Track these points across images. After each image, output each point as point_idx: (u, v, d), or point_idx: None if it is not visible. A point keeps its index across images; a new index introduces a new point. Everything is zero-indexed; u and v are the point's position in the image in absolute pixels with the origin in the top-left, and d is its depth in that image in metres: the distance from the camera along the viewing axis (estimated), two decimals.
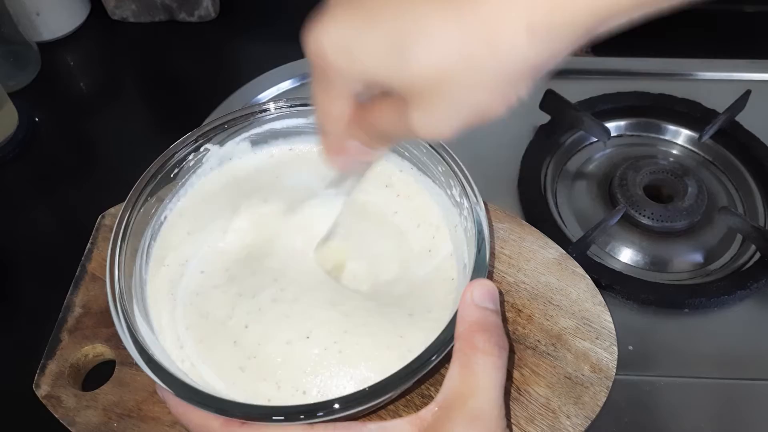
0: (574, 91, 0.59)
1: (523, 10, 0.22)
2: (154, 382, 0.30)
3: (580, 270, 0.39)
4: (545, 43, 0.22)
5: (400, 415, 0.34)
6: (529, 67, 0.23)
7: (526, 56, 0.23)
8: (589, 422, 0.34)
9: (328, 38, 0.25)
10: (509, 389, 0.35)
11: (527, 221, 0.42)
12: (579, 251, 0.48)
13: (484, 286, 0.31)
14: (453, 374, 0.29)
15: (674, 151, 0.59)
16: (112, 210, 0.44)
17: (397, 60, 0.24)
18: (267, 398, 0.32)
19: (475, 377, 0.28)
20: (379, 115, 0.28)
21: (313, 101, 0.30)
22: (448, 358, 0.30)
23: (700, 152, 0.59)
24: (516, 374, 0.36)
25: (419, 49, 0.23)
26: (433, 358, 0.30)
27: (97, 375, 0.38)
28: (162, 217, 0.39)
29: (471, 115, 0.25)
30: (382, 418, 0.34)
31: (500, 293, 0.35)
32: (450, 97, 0.24)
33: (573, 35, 0.22)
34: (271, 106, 0.41)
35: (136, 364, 0.30)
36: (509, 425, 0.33)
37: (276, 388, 0.32)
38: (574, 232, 0.53)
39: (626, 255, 0.52)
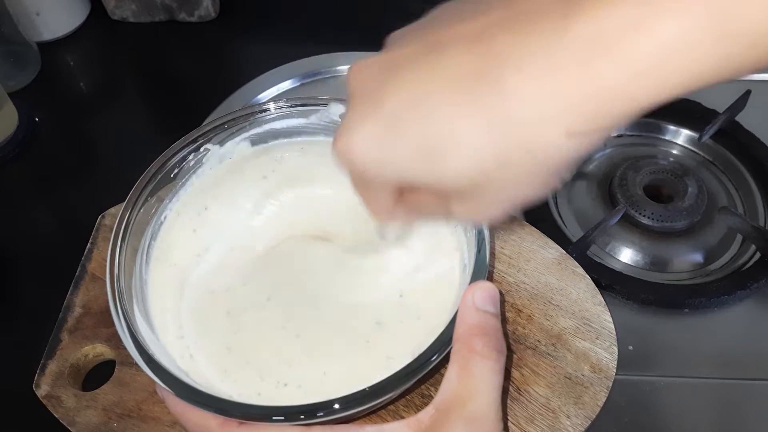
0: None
1: (561, 114, 0.21)
2: (154, 382, 0.30)
3: (580, 270, 0.39)
4: (585, 141, 0.21)
5: (401, 415, 0.34)
6: (569, 161, 0.23)
7: (566, 154, 0.22)
8: (589, 422, 0.34)
9: (356, 143, 0.25)
10: (507, 388, 0.35)
11: (527, 221, 0.42)
12: (579, 251, 0.48)
13: (486, 288, 0.31)
14: (451, 377, 0.29)
15: (674, 151, 0.59)
16: (112, 210, 0.44)
17: (430, 167, 0.23)
18: (257, 392, 0.32)
19: (473, 380, 0.28)
20: (421, 201, 0.28)
21: (358, 194, 0.29)
22: (448, 359, 0.30)
23: (700, 152, 0.59)
24: (516, 374, 0.36)
25: (451, 156, 0.23)
26: (434, 358, 0.30)
27: (97, 375, 0.38)
28: (162, 217, 0.39)
29: (512, 204, 0.25)
30: (382, 418, 0.34)
31: (501, 294, 0.35)
32: (489, 195, 0.24)
33: (614, 128, 0.21)
34: (271, 106, 0.41)
35: (136, 364, 0.30)
36: (506, 427, 0.33)
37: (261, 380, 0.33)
38: (574, 232, 0.53)
39: (626, 255, 0.52)
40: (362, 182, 0.28)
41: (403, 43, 0.26)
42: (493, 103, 0.21)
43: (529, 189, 0.24)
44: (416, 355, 0.30)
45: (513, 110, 0.21)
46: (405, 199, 0.28)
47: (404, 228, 0.37)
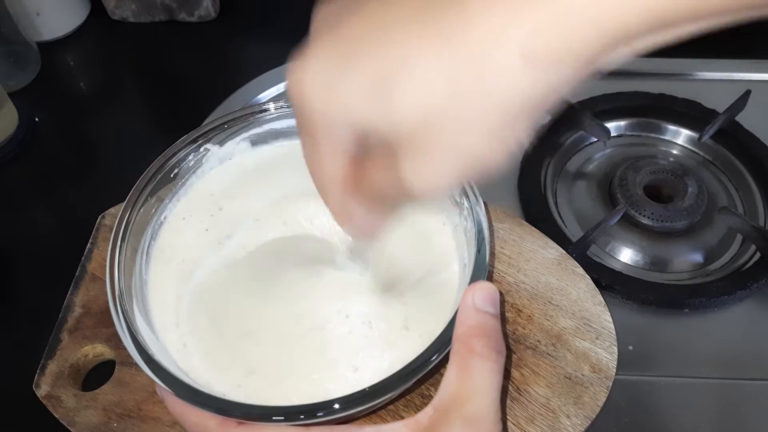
0: (574, 91, 0.59)
1: (517, 35, 0.19)
2: (154, 382, 0.30)
3: (580, 270, 0.39)
4: (543, 73, 0.20)
5: (401, 416, 0.34)
6: (525, 102, 0.20)
7: (521, 87, 0.20)
8: (589, 422, 0.34)
9: (307, 78, 0.23)
10: (506, 388, 0.35)
11: (527, 221, 0.42)
12: (579, 251, 0.48)
13: (486, 289, 0.31)
14: (450, 377, 0.29)
15: (674, 151, 0.59)
16: (112, 210, 0.44)
17: (381, 99, 0.21)
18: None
19: (472, 380, 0.28)
20: (372, 172, 0.25)
21: (305, 161, 0.26)
22: (447, 359, 0.30)
23: (700, 152, 0.59)
24: (516, 374, 0.36)
25: (404, 86, 0.21)
26: (433, 358, 0.30)
27: (97, 375, 0.38)
28: (162, 217, 0.39)
29: (467, 164, 0.22)
30: (382, 419, 0.34)
31: (501, 294, 0.35)
32: (440, 141, 0.21)
33: (574, 64, 0.20)
34: (271, 106, 0.41)
35: (136, 364, 0.30)
36: (506, 427, 0.33)
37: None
38: (574, 232, 0.53)
39: (626, 255, 0.52)
40: (310, 135, 0.25)
41: None
42: (451, 28, 0.20)
43: (484, 140, 0.21)
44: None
45: (472, 35, 0.20)
46: (358, 180, 0.25)
47: (375, 242, 0.35)
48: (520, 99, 0.20)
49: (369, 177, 0.25)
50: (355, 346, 0.34)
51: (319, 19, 0.24)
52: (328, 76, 0.22)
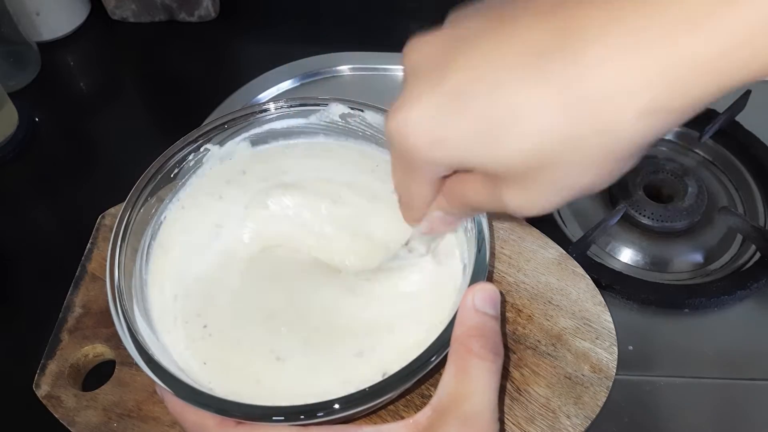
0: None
1: (642, 90, 0.19)
2: (154, 382, 0.30)
3: (580, 270, 0.39)
4: (661, 121, 0.20)
5: (401, 416, 0.34)
6: (637, 148, 0.21)
7: (639, 136, 0.21)
8: (589, 422, 0.34)
9: (413, 125, 0.23)
10: (506, 388, 0.35)
11: (527, 221, 0.42)
12: (579, 251, 0.48)
13: (486, 290, 0.31)
14: (448, 377, 0.29)
15: (674, 151, 0.59)
16: (112, 210, 0.44)
17: (492, 145, 0.22)
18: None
19: (470, 381, 0.28)
20: (466, 189, 0.26)
21: (393, 180, 0.28)
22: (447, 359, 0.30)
23: (700, 152, 0.59)
24: (516, 374, 0.36)
25: (517, 134, 0.21)
26: (433, 359, 0.30)
27: (97, 375, 0.38)
28: (162, 217, 0.39)
29: (572, 194, 0.23)
30: (382, 419, 0.34)
31: (501, 294, 0.35)
32: (551, 180, 0.22)
33: (690, 113, 0.20)
34: (271, 106, 0.41)
35: (136, 364, 0.30)
36: (503, 428, 0.33)
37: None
38: (574, 232, 0.53)
39: (626, 255, 0.52)
40: (406, 168, 0.26)
41: (467, 18, 0.24)
42: (566, 77, 0.20)
43: (593, 175, 0.22)
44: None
45: (588, 84, 0.20)
46: (448, 191, 0.27)
47: (432, 239, 0.35)
48: (632, 146, 0.21)
49: (461, 191, 0.26)
50: (360, 344, 0.34)
51: (416, 55, 0.24)
52: (435, 122, 0.23)
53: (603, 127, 0.20)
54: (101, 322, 0.39)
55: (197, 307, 0.36)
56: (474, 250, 0.34)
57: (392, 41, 0.70)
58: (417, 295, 0.35)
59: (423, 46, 0.24)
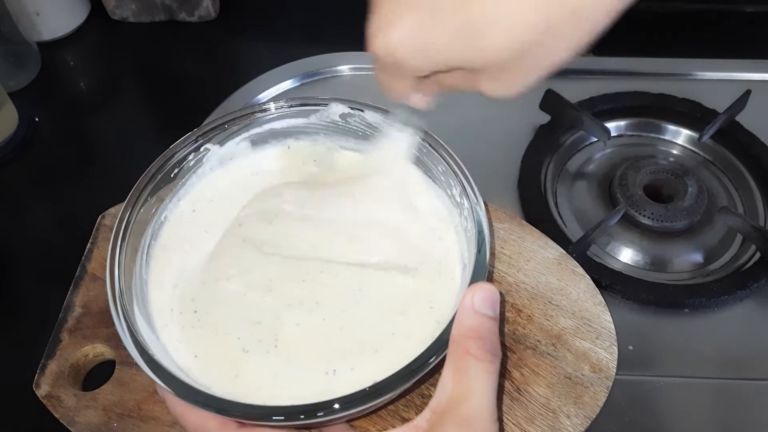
0: (574, 91, 0.59)
1: None
2: (155, 382, 0.30)
3: (580, 270, 0.39)
4: None
5: (401, 416, 0.34)
6: (610, 12, 0.22)
7: (611, 7, 0.22)
8: (589, 422, 0.34)
9: (397, 39, 0.25)
10: (507, 388, 0.35)
11: (527, 221, 0.42)
12: (579, 251, 0.48)
13: (486, 291, 0.31)
14: (446, 378, 0.29)
15: (674, 151, 0.59)
16: (112, 210, 0.44)
17: (473, 48, 0.24)
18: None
19: (468, 381, 0.28)
20: (445, 79, 0.28)
21: (378, 77, 0.30)
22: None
23: (700, 152, 0.59)
24: (516, 374, 0.36)
25: (495, 34, 0.23)
26: (432, 359, 0.30)
27: (97, 375, 0.38)
28: (162, 217, 0.39)
29: (547, 72, 0.24)
30: (382, 418, 0.34)
31: (501, 294, 0.35)
32: (528, 66, 0.24)
33: None
34: (271, 106, 0.41)
35: (136, 364, 0.30)
36: (502, 428, 0.33)
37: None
38: (574, 232, 0.53)
39: (626, 255, 0.52)
40: (393, 74, 0.28)
41: None
42: None
43: (567, 52, 0.24)
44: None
45: None
46: (431, 79, 0.28)
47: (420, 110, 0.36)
48: (606, 15, 0.22)
49: (442, 79, 0.28)
50: (361, 346, 0.34)
51: None
52: (417, 34, 0.25)
53: (573, 7, 0.22)
54: (101, 322, 0.39)
55: (192, 292, 0.36)
56: (474, 250, 0.34)
57: None
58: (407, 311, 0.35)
59: None
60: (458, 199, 0.37)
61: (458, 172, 0.37)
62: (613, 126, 0.59)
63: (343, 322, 0.34)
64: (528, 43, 0.23)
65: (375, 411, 0.34)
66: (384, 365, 0.32)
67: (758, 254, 0.50)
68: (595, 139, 0.59)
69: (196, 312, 0.35)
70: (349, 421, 0.33)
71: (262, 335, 0.34)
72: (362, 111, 0.40)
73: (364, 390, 0.29)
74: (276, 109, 0.41)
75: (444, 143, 0.38)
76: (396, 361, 0.30)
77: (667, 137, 0.60)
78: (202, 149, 0.40)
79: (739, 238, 0.52)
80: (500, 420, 0.33)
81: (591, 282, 0.39)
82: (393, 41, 0.25)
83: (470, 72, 0.26)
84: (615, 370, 0.36)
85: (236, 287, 0.36)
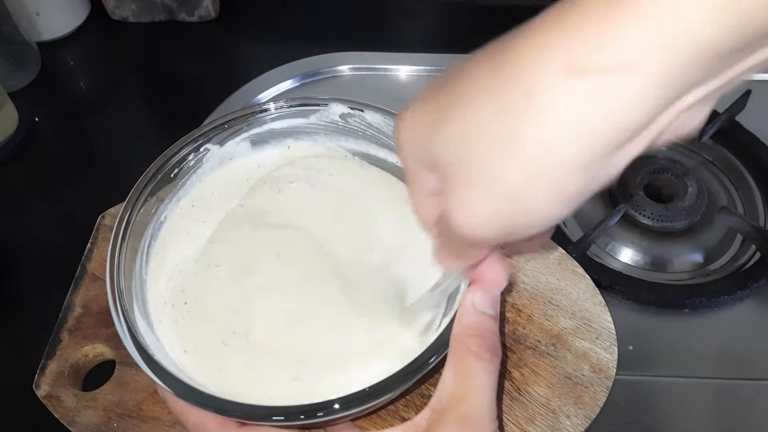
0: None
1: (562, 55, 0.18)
2: (155, 382, 0.30)
3: (580, 270, 0.39)
4: (599, 95, 0.18)
5: (401, 416, 0.34)
6: (581, 138, 0.19)
7: (571, 114, 0.18)
8: (589, 422, 0.34)
9: (404, 129, 0.25)
10: (507, 388, 0.35)
11: None
12: (579, 251, 0.48)
13: (486, 290, 0.31)
14: (446, 377, 0.29)
15: (674, 151, 0.59)
16: (112, 210, 0.44)
17: (436, 133, 0.23)
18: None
19: (468, 380, 0.28)
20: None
21: (441, 254, 0.28)
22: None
23: (700, 152, 0.59)
24: (516, 374, 0.36)
25: (450, 123, 0.22)
26: (432, 359, 0.30)
27: (97, 375, 0.38)
28: (162, 217, 0.39)
29: (507, 205, 0.21)
30: (382, 418, 0.34)
31: (500, 294, 0.35)
32: (477, 177, 0.21)
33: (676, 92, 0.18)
34: (271, 106, 0.41)
35: (136, 364, 0.30)
36: (501, 428, 0.33)
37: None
38: (574, 232, 0.53)
39: (626, 255, 0.52)
40: (407, 178, 0.26)
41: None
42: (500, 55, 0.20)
43: (527, 179, 0.21)
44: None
45: (518, 69, 0.19)
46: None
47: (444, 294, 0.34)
48: (572, 133, 0.19)
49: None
50: (360, 347, 0.34)
51: (430, 85, 0.25)
52: (494, 215, 0.22)
53: (532, 101, 0.19)
54: (101, 322, 0.39)
55: (183, 283, 0.36)
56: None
57: (392, 41, 0.71)
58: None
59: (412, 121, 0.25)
60: None
61: None
62: None
63: (324, 320, 0.34)
64: (478, 137, 0.21)
65: (375, 411, 0.34)
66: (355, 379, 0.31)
67: (758, 254, 0.50)
68: None
69: (186, 303, 0.36)
70: (349, 421, 0.33)
71: (237, 326, 0.34)
72: (362, 111, 0.40)
73: (364, 390, 0.29)
74: (276, 109, 0.41)
75: None
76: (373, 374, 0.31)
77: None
78: (202, 149, 0.40)
79: (739, 238, 0.52)
80: (500, 419, 0.33)
81: (591, 282, 0.39)
82: (483, 225, 0.22)
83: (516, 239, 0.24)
84: (615, 370, 0.36)
85: (223, 273, 0.36)
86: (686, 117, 0.20)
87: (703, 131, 0.58)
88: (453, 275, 0.31)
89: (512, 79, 0.20)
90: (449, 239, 0.26)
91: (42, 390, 0.36)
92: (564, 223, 0.53)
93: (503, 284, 0.30)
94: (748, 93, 0.58)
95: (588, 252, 0.50)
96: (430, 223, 0.27)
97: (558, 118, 0.19)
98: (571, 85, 0.18)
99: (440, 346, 0.30)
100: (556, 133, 0.19)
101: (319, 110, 0.41)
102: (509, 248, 0.27)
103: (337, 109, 0.41)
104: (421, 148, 0.24)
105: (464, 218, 0.22)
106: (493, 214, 0.21)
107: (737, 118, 0.58)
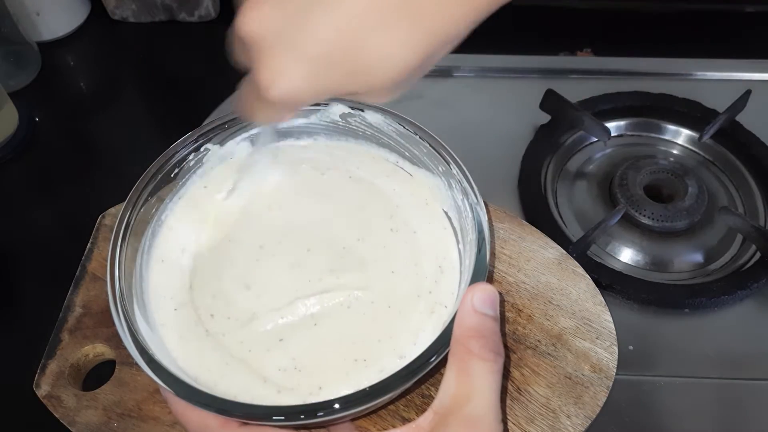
0: (574, 91, 0.59)
1: None
2: (155, 382, 0.30)
3: (581, 270, 0.39)
4: None
5: (401, 416, 0.34)
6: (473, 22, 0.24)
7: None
8: (590, 422, 0.34)
9: (295, 87, 0.27)
10: (507, 388, 0.35)
11: (527, 221, 0.42)
12: (579, 251, 0.48)
13: (486, 291, 0.31)
14: (449, 379, 0.29)
15: (674, 151, 0.59)
16: (112, 210, 0.44)
17: (363, 82, 0.26)
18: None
19: (471, 381, 0.28)
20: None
21: (245, 110, 0.32)
22: (447, 359, 0.30)
23: (700, 152, 0.59)
24: (516, 374, 0.36)
25: (384, 70, 0.26)
26: (433, 358, 0.30)
27: (97, 375, 0.38)
28: (162, 217, 0.39)
29: (317, 62, 0.26)
30: (382, 418, 0.34)
31: (500, 294, 0.35)
32: (406, 83, 0.27)
33: None
34: None
35: (136, 364, 0.30)
36: (506, 428, 0.33)
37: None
38: (574, 232, 0.53)
39: (626, 255, 0.52)
40: (273, 105, 0.28)
41: None
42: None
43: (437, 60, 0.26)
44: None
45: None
46: None
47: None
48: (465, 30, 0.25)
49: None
50: (361, 341, 0.34)
51: (263, 27, 0.27)
52: (311, 75, 0.26)
53: (446, 38, 0.25)
54: (101, 322, 0.39)
55: (184, 282, 0.37)
56: (474, 250, 0.34)
57: None
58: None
59: (261, 17, 0.27)
60: (459, 199, 0.37)
61: (458, 172, 0.37)
62: (614, 126, 0.59)
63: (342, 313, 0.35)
64: (410, 71, 0.25)
65: (375, 411, 0.34)
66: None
67: (758, 254, 0.50)
68: (596, 139, 0.59)
69: (187, 303, 0.36)
70: (350, 420, 0.33)
71: (215, 309, 0.35)
72: (362, 111, 0.40)
73: (365, 390, 0.29)
74: None
75: (444, 143, 0.38)
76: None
77: (667, 137, 0.60)
78: (202, 149, 0.40)
79: (739, 238, 0.52)
80: (504, 421, 0.33)
81: (591, 282, 0.39)
82: (292, 89, 0.26)
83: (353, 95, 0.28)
84: (615, 370, 0.36)
85: (225, 273, 0.37)
86: None
87: (703, 131, 0.58)
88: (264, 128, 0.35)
89: None
90: (258, 100, 0.29)
91: (42, 390, 0.36)
92: (564, 223, 0.53)
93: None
94: (748, 93, 0.58)
95: (588, 252, 0.50)
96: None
97: None
98: None
99: (440, 345, 0.30)
100: None
101: (319, 110, 0.41)
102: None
103: (337, 109, 0.41)
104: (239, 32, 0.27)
105: (276, 90, 0.26)
106: (305, 79, 0.26)
107: (737, 118, 0.58)
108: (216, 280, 0.37)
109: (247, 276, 0.37)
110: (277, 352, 0.33)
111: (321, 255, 0.37)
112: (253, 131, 0.41)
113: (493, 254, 0.40)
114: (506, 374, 0.36)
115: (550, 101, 0.58)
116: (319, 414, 0.28)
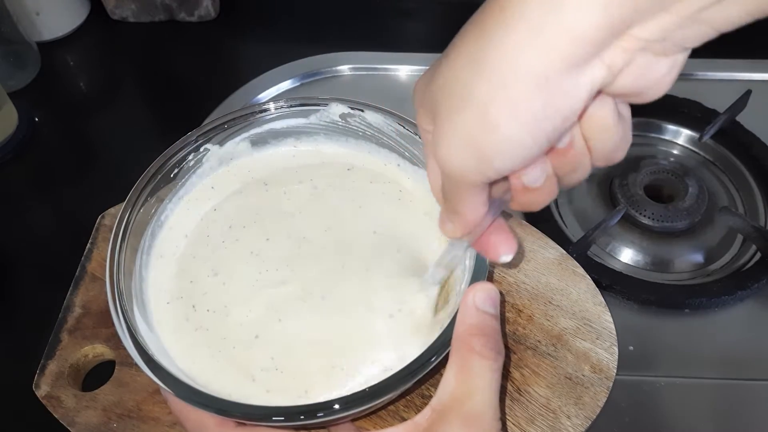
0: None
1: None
2: (154, 382, 0.30)
3: (581, 270, 0.39)
4: (555, 20, 0.20)
5: (401, 416, 0.34)
6: (541, 50, 0.20)
7: (534, 30, 0.20)
8: (590, 422, 0.34)
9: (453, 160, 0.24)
10: (507, 388, 0.35)
11: (527, 221, 0.42)
12: (579, 251, 0.48)
13: (486, 290, 0.31)
14: (449, 376, 0.29)
15: (674, 151, 0.59)
16: (112, 210, 0.44)
17: (426, 89, 0.25)
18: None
19: (471, 379, 0.28)
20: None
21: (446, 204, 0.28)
22: (447, 359, 0.30)
23: (700, 152, 0.59)
24: (516, 374, 0.36)
25: (438, 71, 0.24)
26: (433, 358, 0.30)
27: (97, 375, 0.38)
28: (162, 217, 0.39)
29: (479, 126, 0.22)
30: (382, 419, 0.34)
31: (501, 294, 0.35)
32: (455, 103, 0.22)
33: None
34: (271, 106, 0.41)
35: (136, 364, 0.30)
36: (505, 427, 0.33)
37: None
38: (574, 232, 0.53)
39: (627, 255, 0.52)
40: (458, 186, 0.25)
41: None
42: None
43: (501, 111, 0.22)
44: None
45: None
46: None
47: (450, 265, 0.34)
48: (528, 39, 0.20)
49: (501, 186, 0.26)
50: (363, 345, 0.34)
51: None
52: (421, 85, 0.26)
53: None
54: (101, 322, 0.39)
55: (184, 282, 0.37)
56: (474, 250, 0.34)
57: (392, 41, 0.71)
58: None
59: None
60: None
61: None
62: None
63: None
64: (451, 77, 0.23)
65: (375, 411, 0.34)
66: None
67: (759, 254, 0.50)
68: None
69: (187, 303, 0.36)
70: (350, 421, 0.33)
71: (195, 299, 0.36)
72: (362, 111, 0.40)
73: (364, 390, 0.29)
74: (276, 109, 0.41)
75: None
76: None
77: (667, 137, 0.60)
78: (202, 149, 0.40)
79: (739, 238, 0.52)
80: (503, 421, 0.33)
81: (591, 282, 0.39)
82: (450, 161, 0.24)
83: None
84: (615, 371, 0.36)
85: (224, 273, 0.37)
86: (645, 61, 0.21)
87: (703, 131, 0.58)
88: (457, 245, 0.32)
89: (490, 2, 0.21)
90: (444, 193, 0.27)
91: (42, 390, 0.36)
92: (564, 223, 0.53)
93: (512, 251, 0.29)
94: (748, 93, 0.58)
95: (588, 252, 0.50)
96: (437, 189, 0.28)
97: (520, 29, 0.20)
98: None
99: (441, 346, 0.30)
100: (517, 42, 0.20)
101: (319, 110, 0.41)
102: (503, 207, 0.28)
103: (337, 109, 0.41)
104: (421, 103, 0.25)
105: (444, 148, 0.23)
106: (465, 136, 0.22)
107: (737, 118, 0.58)
108: (193, 262, 0.37)
109: (214, 259, 0.37)
110: (257, 351, 0.34)
111: (279, 245, 0.37)
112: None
113: None
114: (506, 375, 0.36)
115: None
116: (318, 414, 0.28)
